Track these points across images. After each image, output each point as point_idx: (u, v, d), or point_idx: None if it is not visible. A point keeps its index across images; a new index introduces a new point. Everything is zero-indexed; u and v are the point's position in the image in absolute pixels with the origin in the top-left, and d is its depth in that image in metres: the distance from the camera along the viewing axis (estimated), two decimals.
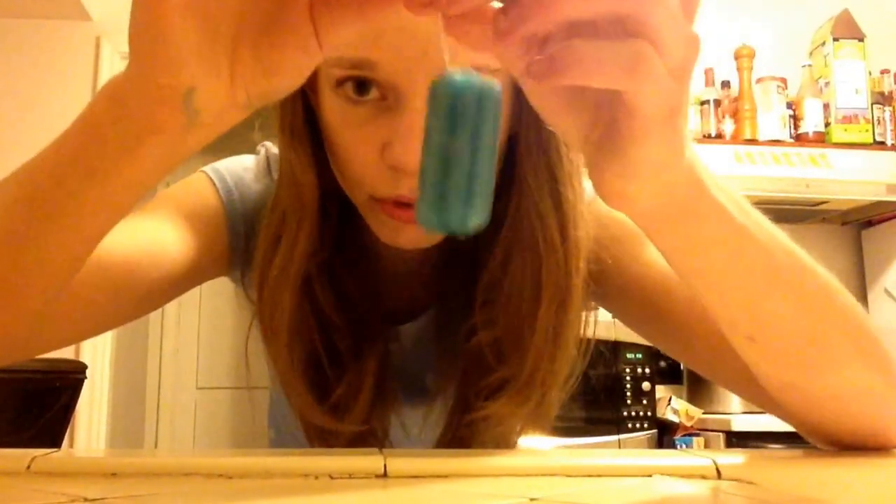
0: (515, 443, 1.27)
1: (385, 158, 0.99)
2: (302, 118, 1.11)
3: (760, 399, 1.09)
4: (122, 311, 1.11)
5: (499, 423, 1.17)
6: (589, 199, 1.16)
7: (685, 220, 0.81)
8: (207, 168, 1.30)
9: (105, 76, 5.13)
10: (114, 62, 5.19)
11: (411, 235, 1.08)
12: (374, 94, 0.99)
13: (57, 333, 1.01)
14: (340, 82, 1.00)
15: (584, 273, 1.16)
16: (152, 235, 1.12)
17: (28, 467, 0.78)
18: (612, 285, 1.22)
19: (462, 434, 1.21)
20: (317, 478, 0.74)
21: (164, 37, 0.69)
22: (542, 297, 1.13)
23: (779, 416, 1.08)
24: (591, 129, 0.75)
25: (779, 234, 0.89)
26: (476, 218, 0.65)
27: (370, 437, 1.19)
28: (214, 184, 1.27)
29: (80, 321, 1.04)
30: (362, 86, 1.00)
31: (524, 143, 1.10)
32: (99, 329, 1.08)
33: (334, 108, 1.03)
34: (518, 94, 1.03)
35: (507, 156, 1.12)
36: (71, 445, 4.62)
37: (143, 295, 1.10)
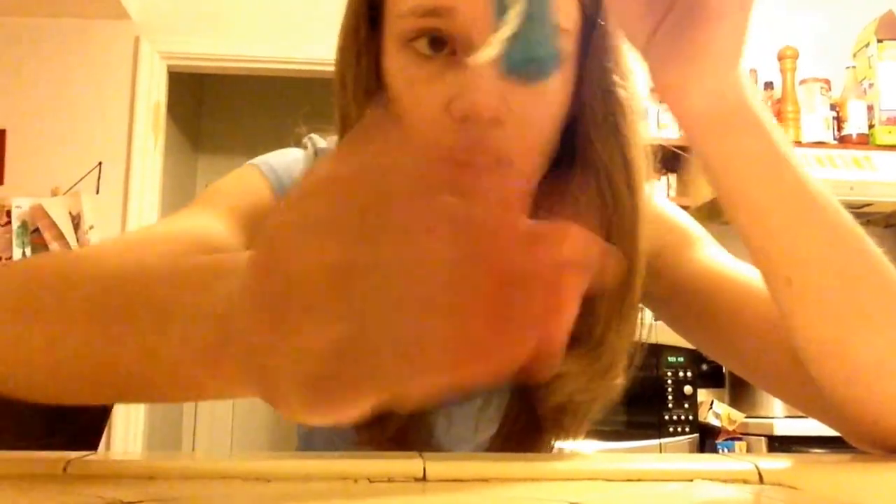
0: (584, 417, 1.23)
1: (453, 110, 1.00)
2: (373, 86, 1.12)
3: (803, 400, 1.09)
4: None
5: (569, 384, 1.15)
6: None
7: (731, 129, 0.85)
8: (258, 161, 1.29)
9: (144, 75, 5.19)
10: (153, 61, 5.24)
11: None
12: (444, 49, 1.01)
13: None
14: (412, 38, 1.02)
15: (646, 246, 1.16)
16: (206, 232, 1.11)
17: (64, 470, 0.79)
18: (662, 285, 1.23)
19: (531, 405, 1.21)
20: (356, 481, 0.74)
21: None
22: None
23: (820, 418, 1.08)
24: (661, 24, 0.81)
25: (812, 174, 0.91)
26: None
27: (413, 434, 1.18)
28: (267, 177, 1.26)
29: None
30: (436, 42, 1.01)
31: (590, 111, 1.11)
32: None
33: (403, 68, 1.05)
34: (582, 64, 1.06)
35: (574, 126, 1.13)
36: (108, 448, 4.64)
37: None
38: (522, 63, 0.75)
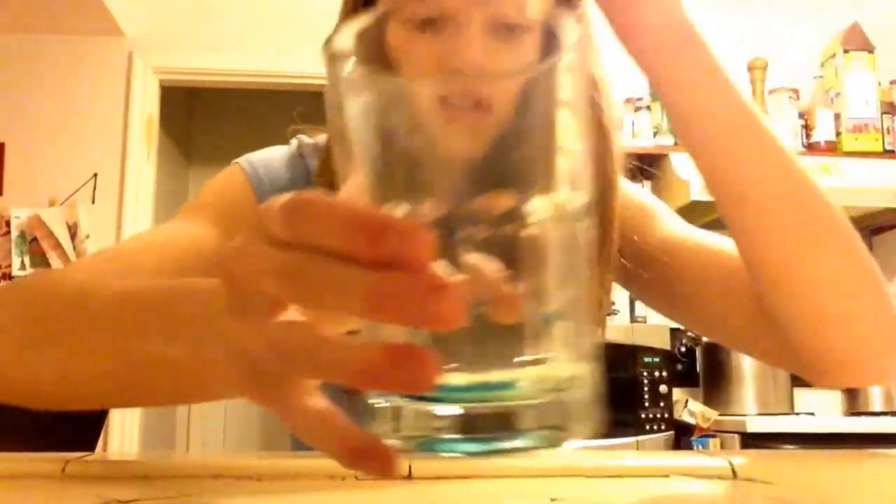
0: None
1: (444, 64, 1.05)
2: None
3: (765, 350, 1.16)
4: None
5: None
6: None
7: (681, 48, 0.90)
8: (241, 159, 1.37)
9: (137, 89, 5.20)
10: (146, 76, 5.23)
11: (457, 142, 1.12)
12: (436, 25, 1.06)
13: None
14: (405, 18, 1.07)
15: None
16: (191, 240, 1.18)
17: (63, 470, 0.78)
18: (627, 257, 1.27)
19: None
20: (343, 479, 0.74)
21: None
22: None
23: (782, 364, 1.15)
24: None
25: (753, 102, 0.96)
26: None
27: None
28: (247, 173, 1.33)
29: None
30: (425, 22, 1.06)
31: None
32: None
33: (399, 39, 1.07)
34: None
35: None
36: (104, 449, 4.63)
37: None
38: None
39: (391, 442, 0.51)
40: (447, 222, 0.50)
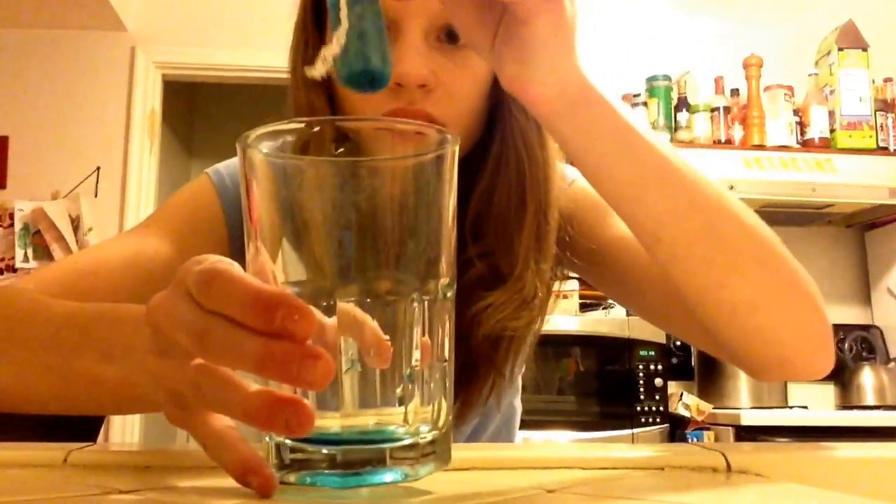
0: (512, 352, 1.33)
1: None
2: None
3: (704, 343, 1.21)
4: None
5: (495, 314, 1.24)
6: (564, 178, 1.32)
7: (578, 109, 0.90)
8: (210, 169, 1.41)
9: (139, 83, 5.22)
10: (148, 70, 5.24)
11: None
12: None
13: None
14: None
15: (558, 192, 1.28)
16: (148, 255, 1.24)
17: (65, 460, 0.78)
18: (579, 251, 1.32)
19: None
20: None
21: None
22: (527, 202, 1.24)
23: (720, 355, 1.20)
24: (497, 37, 0.88)
25: (666, 143, 0.97)
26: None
27: None
28: (213, 183, 1.37)
29: None
30: None
31: None
32: None
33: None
34: None
35: (493, 93, 1.23)
36: (106, 440, 4.63)
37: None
38: (353, 77, 0.79)
39: (274, 472, 0.62)
40: (331, 292, 0.60)
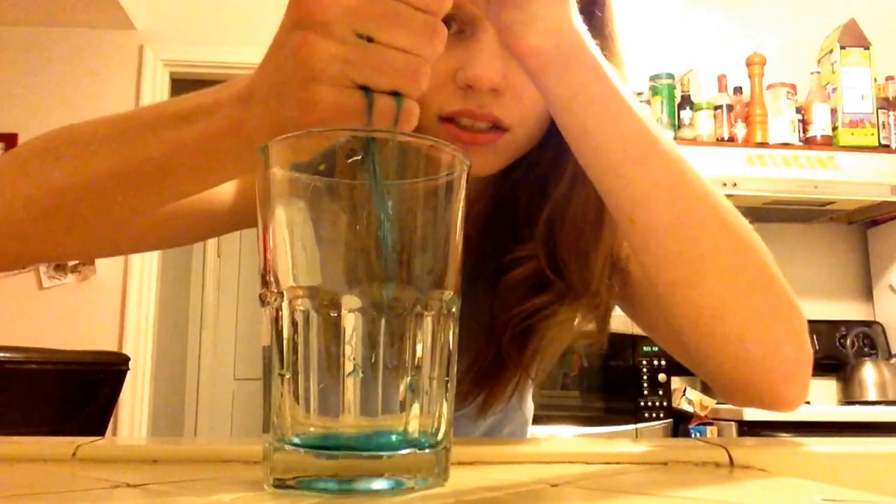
0: (544, 358, 1.32)
1: (459, 79, 1.07)
2: None
3: (682, 358, 1.17)
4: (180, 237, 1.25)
5: (563, 329, 1.25)
6: None
7: (569, 65, 0.88)
8: None
9: (147, 81, 5.21)
10: (156, 68, 5.24)
11: (476, 161, 1.13)
12: (453, 28, 1.07)
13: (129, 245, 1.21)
14: None
15: None
16: None
17: (74, 454, 0.79)
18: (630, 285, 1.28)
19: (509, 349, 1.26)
20: None
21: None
22: (604, 220, 1.20)
23: (688, 364, 1.15)
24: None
25: (655, 124, 0.94)
26: None
27: None
28: None
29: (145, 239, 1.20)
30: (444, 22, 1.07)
31: None
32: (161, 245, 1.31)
33: None
34: None
35: None
36: (114, 434, 4.64)
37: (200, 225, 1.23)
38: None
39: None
40: (337, 300, 0.60)
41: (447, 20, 1.06)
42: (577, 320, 1.26)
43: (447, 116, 1.10)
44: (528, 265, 1.24)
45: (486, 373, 1.27)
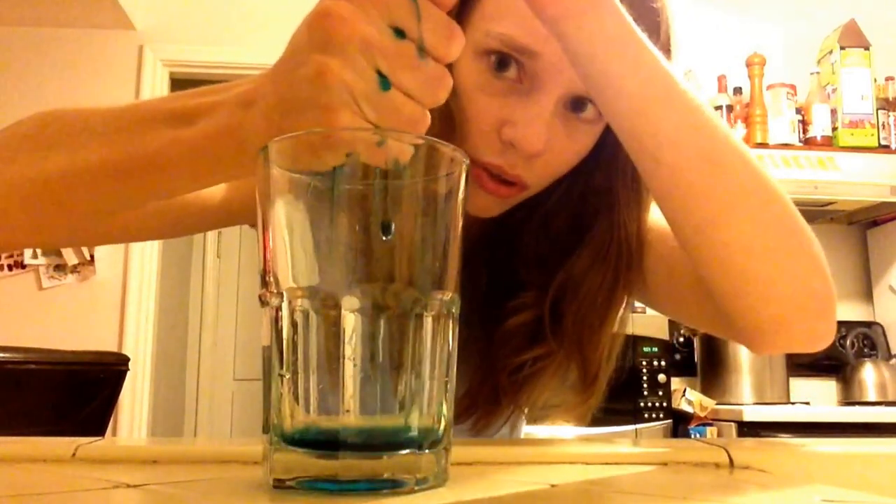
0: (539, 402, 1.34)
1: (503, 134, 1.07)
2: None
3: (702, 314, 1.16)
4: (166, 230, 1.24)
5: (558, 409, 1.29)
6: None
7: (586, 10, 0.88)
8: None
9: (147, 81, 5.22)
10: (156, 68, 5.25)
11: (483, 203, 1.14)
12: (511, 73, 1.07)
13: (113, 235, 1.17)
14: (489, 53, 1.07)
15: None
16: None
17: (73, 455, 0.79)
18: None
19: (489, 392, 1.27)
20: None
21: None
22: (618, 291, 1.22)
23: (717, 325, 1.14)
24: None
25: (674, 68, 0.95)
26: None
27: None
28: None
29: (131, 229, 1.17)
30: (503, 63, 1.07)
31: (620, 157, 1.13)
32: (150, 237, 1.26)
33: (473, 72, 1.08)
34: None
35: (598, 162, 1.19)
36: (114, 434, 4.64)
37: (186, 219, 1.21)
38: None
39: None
40: (337, 300, 0.60)
41: (505, 60, 1.06)
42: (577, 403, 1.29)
43: (480, 163, 1.10)
44: (529, 314, 1.25)
45: (478, 402, 1.29)
